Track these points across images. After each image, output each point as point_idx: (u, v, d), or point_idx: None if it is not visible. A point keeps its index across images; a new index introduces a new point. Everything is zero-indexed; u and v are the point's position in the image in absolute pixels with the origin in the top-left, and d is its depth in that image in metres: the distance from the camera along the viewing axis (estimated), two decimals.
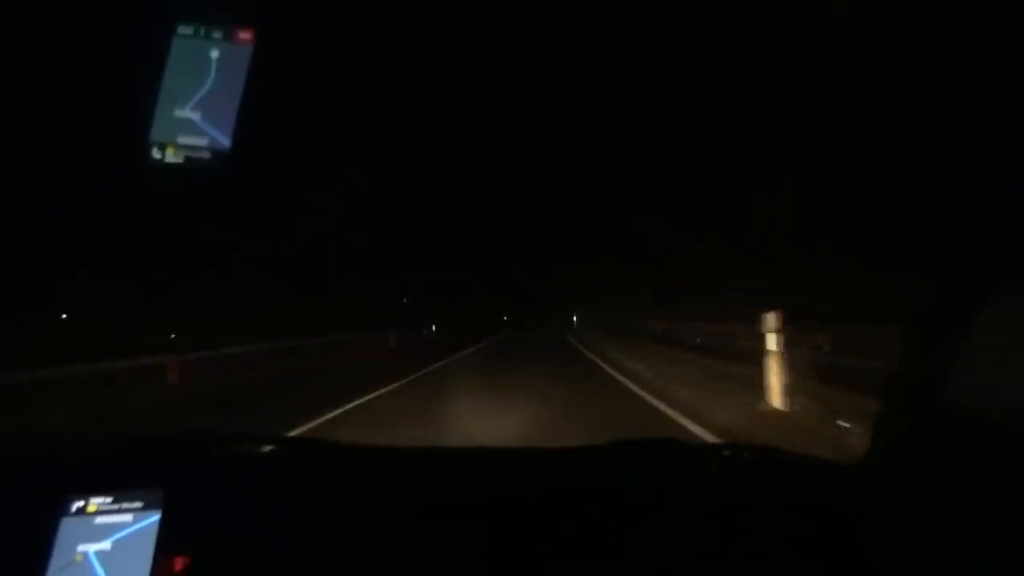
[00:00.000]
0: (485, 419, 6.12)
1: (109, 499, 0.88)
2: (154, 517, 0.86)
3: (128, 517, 0.86)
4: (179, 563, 0.83)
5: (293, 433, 4.85)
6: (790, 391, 5.97)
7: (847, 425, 4.84)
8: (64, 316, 16.45)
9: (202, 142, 1.50)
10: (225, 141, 1.40)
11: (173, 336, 15.17)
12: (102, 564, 0.82)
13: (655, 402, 7.20)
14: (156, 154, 1.64)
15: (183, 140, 1.55)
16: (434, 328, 31.28)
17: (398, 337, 24.22)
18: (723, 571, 0.75)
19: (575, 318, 33.01)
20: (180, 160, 1.59)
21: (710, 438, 5.05)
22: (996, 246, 0.71)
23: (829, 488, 0.92)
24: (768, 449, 1.07)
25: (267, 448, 1.17)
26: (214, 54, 1.46)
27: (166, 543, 0.85)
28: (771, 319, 6.24)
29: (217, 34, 1.42)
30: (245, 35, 1.40)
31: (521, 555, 0.81)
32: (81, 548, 0.83)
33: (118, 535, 0.84)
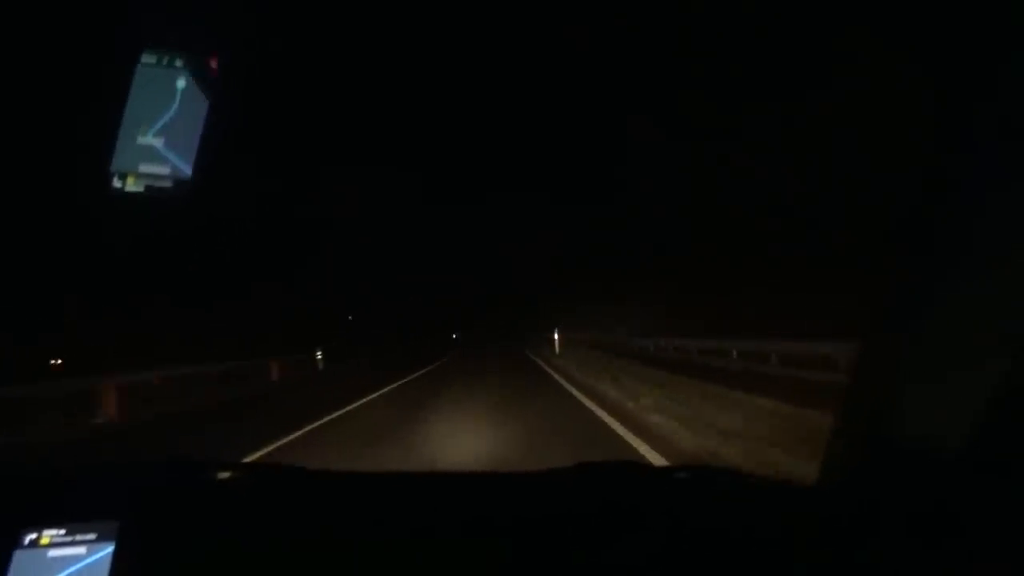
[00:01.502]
0: None
1: (63, 531, 0.86)
2: (108, 549, 0.84)
3: (82, 550, 0.84)
4: None
5: None
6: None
7: None
8: None
9: (164, 170, 1.48)
10: (187, 169, 1.37)
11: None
12: None
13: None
14: (117, 183, 1.61)
15: (144, 168, 1.52)
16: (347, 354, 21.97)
17: (289, 365, 17.10)
18: None
19: (556, 336, 23.13)
20: (140, 189, 1.56)
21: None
22: (952, 264, 0.72)
23: (783, 510, 0.92)
24: (725, 471, 1.08)
25: (226, 475, 1.14)
26: (179, 82, 1.45)
27: (121, 575, 0.82)
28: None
29: (180, 62, 1.41)
30: (209, 63, 1.39)
31: None
32: None
33: (72, 568, 0.82)
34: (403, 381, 13.90)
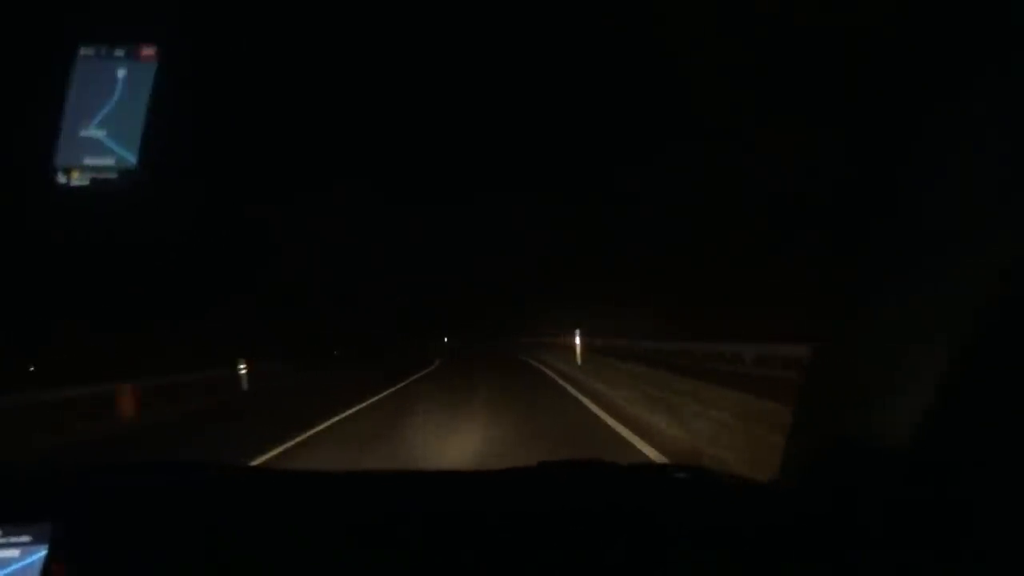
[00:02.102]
0: None
1: None
2: (41, 552, 0.84)
3: (15, 552, 0.84)
4: None
5: None
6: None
7: None
8: None
9: (108, 162, 1.47)
10: (131, 159, 1.38)
11: None
12: None
13: None
14: (61, 179, 1.60)
15: (89, 161, 1.52)
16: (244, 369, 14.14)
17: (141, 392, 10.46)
18: None
19: (577, 341, 14.93)
20: (86, 183, 1.55)
21: None
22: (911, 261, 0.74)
23: (748, 508, 0.93)
24: (691, 469, 1.08)
25: (170, 476, 1.12)
26: (119, 73, 1.45)
27: None
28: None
29: (120, 53, 1.41)
30: (148, 52, 1.40)
31: None
32: None
33: (5, 570, 0.83)
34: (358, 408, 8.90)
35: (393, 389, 11.82)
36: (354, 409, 8.68)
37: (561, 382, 11.47)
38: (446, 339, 51.87)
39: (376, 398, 10.24)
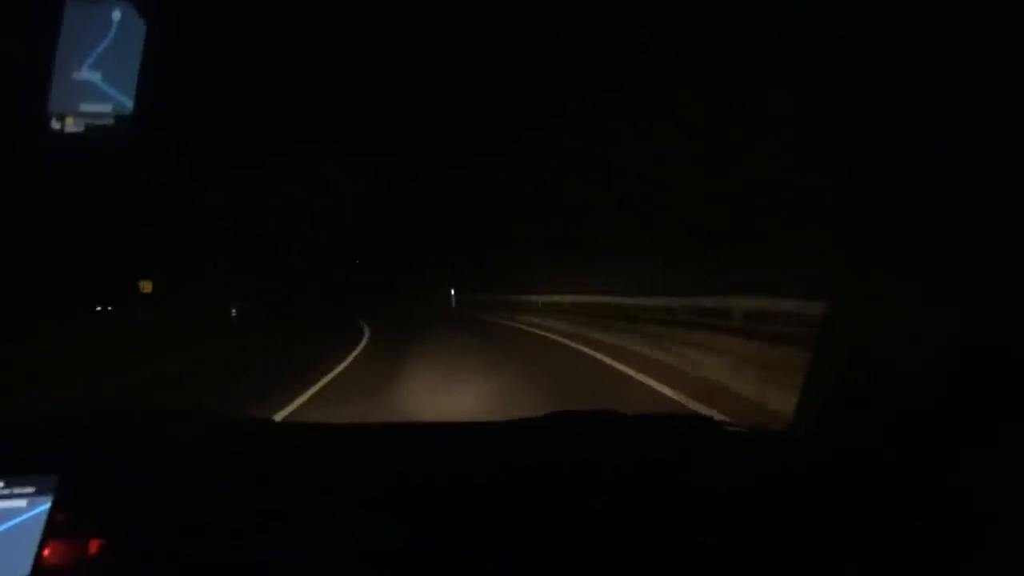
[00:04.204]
0: None
1: (0, 484, 0.85)
2: (46, 503, 0.83)
3: (22, 503, 0.83)
4: (68, 549, 0.79)
5: None
6: None
7: None
8: None
9: (105, 108, 1.42)
10: (128, 103, 1.33)
11: None
12: None
13: None
14: (55, 124, 1.54)
15: (84, 107, 1.46)
16: None
17: None
18: (666, 543, 0.76)
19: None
20: (81, 129, 1.50)
21: None
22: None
23: (762, 457, 0.94)
24: (702, 419, 1.10)
25: (174, 427, 1.11)
26: (113, 14, 1.38)
27: (60, 530, 0.81)
28: None
29: None
30: None
31: (459, 534, 0.79)
32: None
33: (12, 521, 0.82)
34: None
35: None
36: None
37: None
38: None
39: None
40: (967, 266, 0.67)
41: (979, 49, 0.66)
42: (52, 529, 0.81)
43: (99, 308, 15.39)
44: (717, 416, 3.29)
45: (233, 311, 18.97)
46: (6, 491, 0.84)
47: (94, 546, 0.79)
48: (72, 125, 1.50)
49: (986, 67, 0.65)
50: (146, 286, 13.69)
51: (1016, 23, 0.62)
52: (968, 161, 0.67)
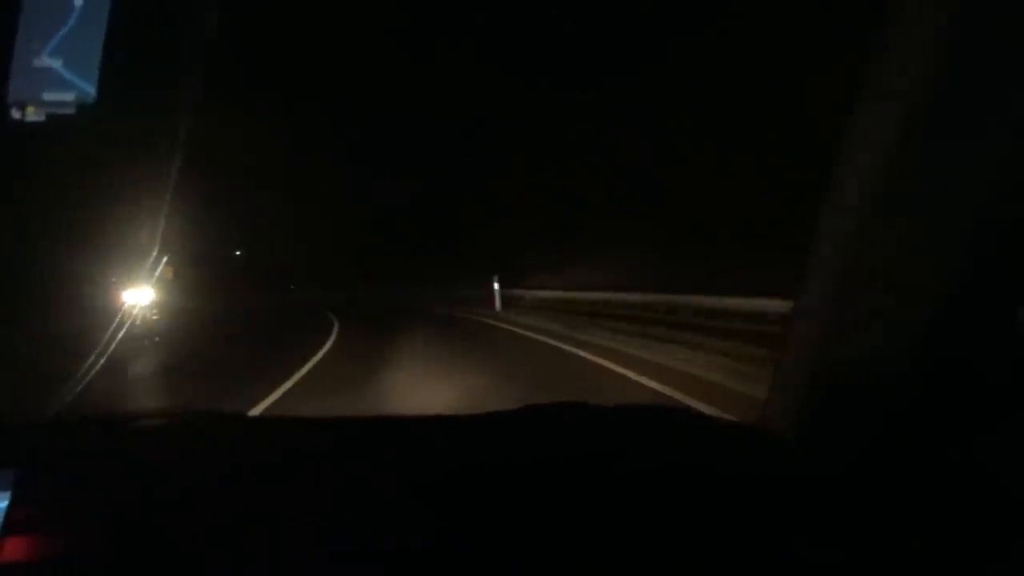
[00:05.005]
0: None
1: None
2: (3, 499, 0.82)
3: None
4: (26, 545, 0.77)
5: None
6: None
7: None
8: None
9: (67, 96, 1.39)
10: (90, 90, 1.30)
11: None
12: None
13: None
14: (15, 114, 1.50)
15: (47, 96, 1.42)
16: None
17: None
18: (644, 538, 0.75)
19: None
20: (42, 118, 1.46)
21: None
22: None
23: (732, 449, 0.94)
24: (676, 410, 1.09)
25: (138, 423, 1.10)
26: None
27: (18, 526, 0.79)
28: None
29: None
30: None
31: (435, 528, 0.78)
32: None
33: None
34: None
35: None
36: None
37: None
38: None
39: None
40: (937, 259, 0.68)
41: (956, 46, 0.66)
42: (9, 526, 0.78)
43: None
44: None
45: None
46: None
47: (53, 542, 0.77)
48: (33, 114, 1.46)
49: (966, 60, 0.65)
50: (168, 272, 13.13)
51: (989, 23, 0.63)
52: (943, 155, 0.67)
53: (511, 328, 9.90)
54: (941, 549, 0.64)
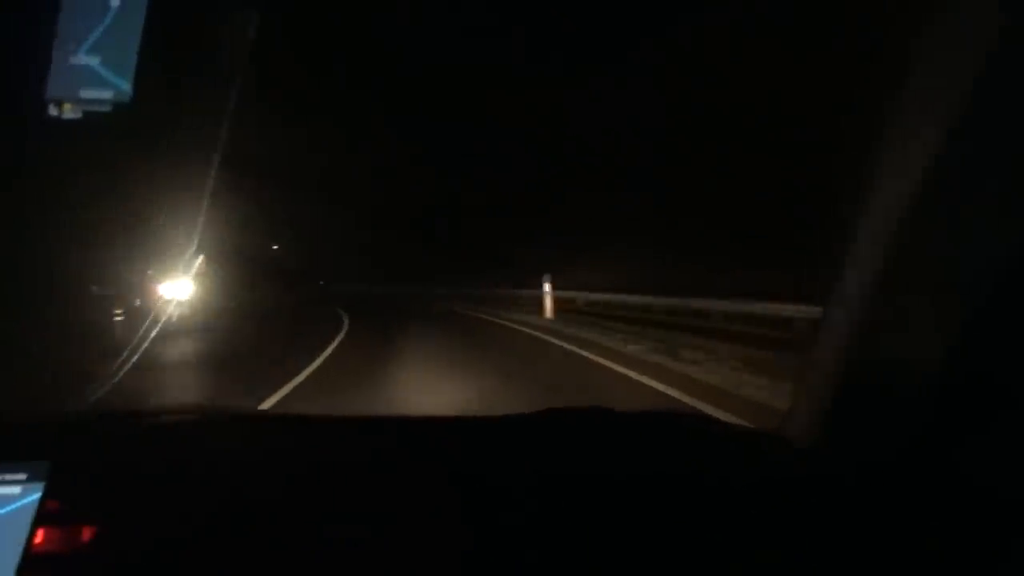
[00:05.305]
0: None
1: None
2: (39, 490, 0.82)
3: (16, 489, 0.81)
4: (59, 536, 0.78)
5: None
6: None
7: None
8: None
9: (105, 94, 1.37)
10: (127, 88, 1.27)
11: None
12: None
13: None
14: (52, 111, 1.49)
15: (83, 93, 1.41)
16: None
17: None
18: (666, 545, 0.74)
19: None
20: (79, 116, 1.45)
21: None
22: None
23: (752, 457, 0.93)
24: (697, 417, 1.08)
25: (167, 419, 1.09)
26: None
27: (52, 517, 0.79)
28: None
29: None
30: None
31: (447, 530, 0.77)
32: None
33: (7, 508, 0.80)
34: None
35: None
36: None
37: None
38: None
39: None
40: (972, 266, 0.66)
41: (977, 46, 0.64)
42: (43, 516, 0.79)
43: None
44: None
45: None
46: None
47: (86, 533, 0.77)
48: (70, 112, 1.45)
49: (1007, 60, 0.62)
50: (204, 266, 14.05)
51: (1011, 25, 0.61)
52: (964, 157, 0.66)
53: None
54: (963, 558, 0.63)
